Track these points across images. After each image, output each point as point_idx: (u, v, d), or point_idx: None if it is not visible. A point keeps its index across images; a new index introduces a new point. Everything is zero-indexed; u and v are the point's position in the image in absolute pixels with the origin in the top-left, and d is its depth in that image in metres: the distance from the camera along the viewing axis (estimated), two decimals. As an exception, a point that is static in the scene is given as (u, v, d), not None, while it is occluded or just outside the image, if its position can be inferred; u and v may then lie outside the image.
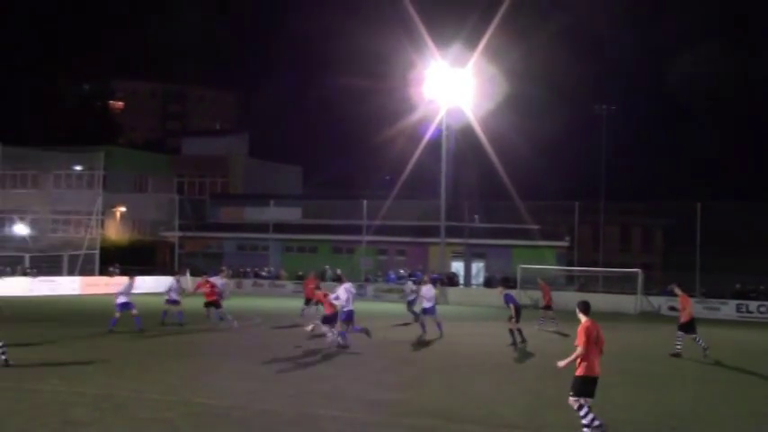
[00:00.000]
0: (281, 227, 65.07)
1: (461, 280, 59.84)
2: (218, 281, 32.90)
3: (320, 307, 28.91)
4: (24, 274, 53.25)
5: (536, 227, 60.09)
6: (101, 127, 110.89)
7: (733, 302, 47.55)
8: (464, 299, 52.49)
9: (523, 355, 25.30)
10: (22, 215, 69.11)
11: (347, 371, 20.95)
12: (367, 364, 22.28)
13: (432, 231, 58.82)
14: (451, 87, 55.04)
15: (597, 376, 13.61)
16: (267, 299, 52.49)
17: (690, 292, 49.35)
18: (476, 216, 62.40)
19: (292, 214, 68.94)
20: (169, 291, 32.66)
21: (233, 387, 17.75)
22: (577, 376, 13.56)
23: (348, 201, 63.42)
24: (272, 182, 78.87)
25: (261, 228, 65.39)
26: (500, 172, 58.27)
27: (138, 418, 14.45)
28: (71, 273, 56.36)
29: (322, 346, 25.15)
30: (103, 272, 57.10)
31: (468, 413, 15.58)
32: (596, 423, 13.45)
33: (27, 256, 56.96)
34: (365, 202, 60.43)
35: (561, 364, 13.85)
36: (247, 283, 58.75)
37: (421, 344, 27.69)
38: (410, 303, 36.70)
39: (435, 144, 57.14)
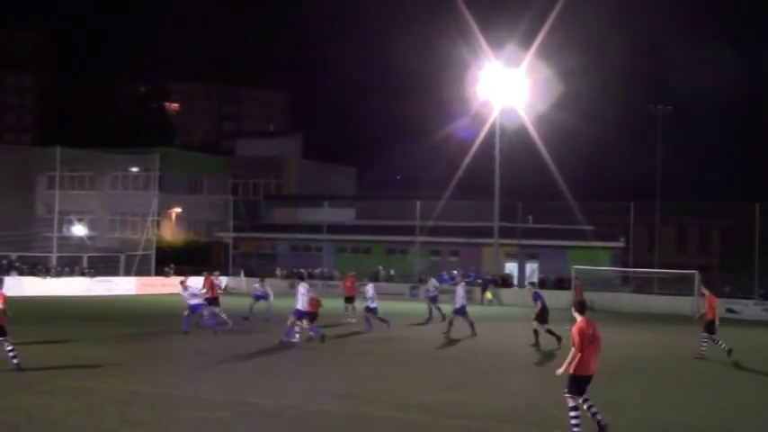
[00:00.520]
0: (334, 228, 65.19)
1: (515, 281, 59.52)
2: (258, 287, 33.65)
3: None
4: (82, 274, 53.98)
5: (590, 227, 59.58)
6: (157, 128, 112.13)
7: (793, 305, 46.82)
8: (518, 300, 52.15)
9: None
10: (80, 216, 70.10)
11: (399, 371, 20.96)
12: (418, 365, 22.26)
13: (485, 232, 58.58)
14: (505, 87, 54.80)
15: (591, 375, 13.64)
16: (322, 299, 52.50)
17: (749, 294, 49.01)
18: (529, 217, 62.03)
19: (346, 215, 69.02)
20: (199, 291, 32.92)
21: (287, 387, 17.82)
22: (571, 375, 13.56)
23: (401, 201, 63.37)
24: (326, 183, 79.05)
25: (314, 229, 65.55)
26: (554, 172, 57.97)
27: (192, 417, 14.57)
28: (127, 273, 57.00)
29: (375, 347, 25.16)
30: (159, 272, 57.66)
31: (522, 415, 15.49)
32: (599, 417, 13.59)
33: (85, 256, 57.75)
34: (419, 202, 60.34)
35: (559, 371, 13.82)
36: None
37: (472, 344, 27.56)
38: (431, 300, 36.95)
39: (489, 144, 56.92)
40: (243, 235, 68.37)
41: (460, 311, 30.15)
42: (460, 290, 30.56)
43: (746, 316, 45.29)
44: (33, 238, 60.24)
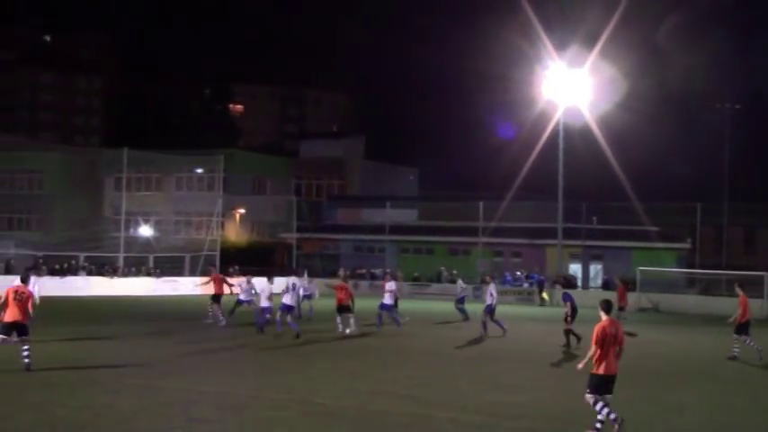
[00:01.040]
0: (397, 228, 65.26)
1: (579, 282, 59.03)
2: (302, 283, 34.12)
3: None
4: (148, 274, 54.71)
5: (655, 228, 58.87)
6: (221, 130, 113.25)
7: None
8: (582, 301, 51.50)
9: (642, 359, 24.85)
10: (146, 217, 71.07)
11: (462, 371, 20.95)
12: (482, 366, 22.23)
13: (548, 233, 58.20)
14: (569, 87, 54.41)
15: (613, 375, 13.63)
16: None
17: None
18: (594, 217, 61.47)
19: (408, 216, 69.05)
20: (246, 292, 33.45)
21: (349, 387, 17.92)
22: (593, 374, 13.61)
23: (464, 202, 63.23)
24: (388, 184, 79.14)
25: (377, 229, 65.66)
26: (618, 172, 57.41)
27: (257, 417, 14.72)
28: (192, 273, 57.60)
29: (441, 348, 25.16)
30: (223, 272, 58.11)
31: (588, 417, 15.36)
32: (612, 416, 13.44)
33: (151, 256, 58.52)
34: (481, 203, 60.15)
35: (580, 366, 13.96)
36: (364, 284, 59.04)
37: (528, 346, 27.40)
38: (459, 301, 37.15)
39: (552, 144, 56.57)
40: (306, 236, 68.73)
41: (487, 310, 30.57)
42: (491, 289, 31.00)
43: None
44: (101, 238, 61.23)
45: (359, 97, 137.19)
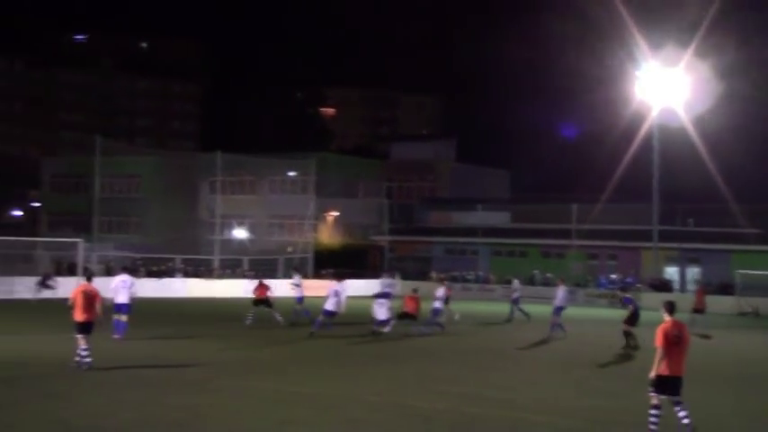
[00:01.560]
0: (489, 231, 64.99)
1: (676, 286, 57.97)
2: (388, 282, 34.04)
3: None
4: (243, 276, 55.42)
5: (755, 231, 57.45)
6: (313, 133, 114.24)
7: None
8: (679, 305, 50.74)
9: (729, 365, 24.32)
10: (240, 220, 72.06)
11: (554, 376, 20.82)
12: (573, 370, 22.00)
13: (644, 235, 57.31)
14: (664, 87, 53.55)
15: (677, 376, 13.46)
16: (476, 303, 52.55)
17: None
18: (690, 220, 60.29)
19: (500, 218, 68.71)
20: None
21: (444, 390, 17.86)
22: (656, 374, 13.44)
23: (557, 204, 62.69)
24: (480, 186, 78.78)
25: (469, 232, 65.50)
26: (715, 174, 56.25)
27: (351, 418, 14.75)
28: (286, 275, 58.14)
29: (536, 352, 24.99)
30: (317, 275, 58.66)
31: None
32: (685, 420, 13.31)
33: (245, 258, 59.31)
34: (575, 205, 59.58)
35: (652, 374, 13.58)
36: (456, 287, 58.90)
37: (616, 350, 26.94)
38: (514, 302, 37.83)
39: (647, 146, 55.72)
40: (398, 238, 68.88)
41: (556, 311, 31.04)
42: (560, 291, 31.63)
43: None
44: (197, 240, 62.31)
45: (451, 99, 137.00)
